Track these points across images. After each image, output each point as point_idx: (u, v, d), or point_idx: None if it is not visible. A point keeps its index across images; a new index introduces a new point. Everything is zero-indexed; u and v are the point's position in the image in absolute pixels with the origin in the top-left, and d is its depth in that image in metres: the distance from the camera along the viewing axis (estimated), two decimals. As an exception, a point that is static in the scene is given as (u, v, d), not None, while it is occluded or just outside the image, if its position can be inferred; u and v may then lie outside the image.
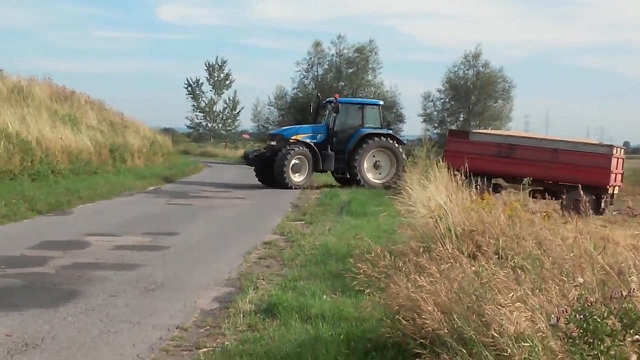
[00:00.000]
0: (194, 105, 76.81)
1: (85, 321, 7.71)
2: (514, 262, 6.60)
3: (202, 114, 77.23)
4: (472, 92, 62.64)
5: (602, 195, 23.93)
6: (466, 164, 14.40)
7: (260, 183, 28.79)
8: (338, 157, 28.76)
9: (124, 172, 28.53)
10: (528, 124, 76.94)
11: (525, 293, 5.31)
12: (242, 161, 35.72)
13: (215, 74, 76.13)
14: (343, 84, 64.12)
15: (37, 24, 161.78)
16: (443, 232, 9.05)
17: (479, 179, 14.28)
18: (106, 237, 13.77)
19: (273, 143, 28.98)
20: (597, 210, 22.20)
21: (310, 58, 65.63)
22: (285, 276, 10.30)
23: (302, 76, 66.03)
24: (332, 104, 29.12)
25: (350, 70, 64.20)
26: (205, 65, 76.35)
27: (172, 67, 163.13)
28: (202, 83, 76.74)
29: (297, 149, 28.05)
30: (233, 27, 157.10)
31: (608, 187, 24.51)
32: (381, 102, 32.19)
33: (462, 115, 63.62)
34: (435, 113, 64.26)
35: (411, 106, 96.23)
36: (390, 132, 30.26)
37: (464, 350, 5.06)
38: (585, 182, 23.52)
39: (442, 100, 64.62)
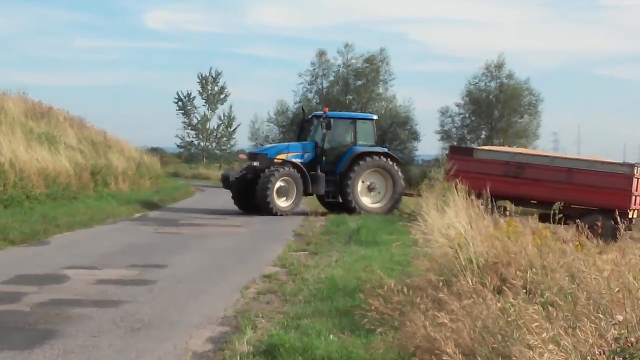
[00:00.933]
0: (185, 122, 77.13)
1: (63, 365, 7.69)
2: (543, 297, 6.57)
3: (194, 132, 77.52)
4: (495, 106, 62.68)
5: (622, 220, 23.93)
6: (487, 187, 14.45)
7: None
8: (328, 178, 28.30)
9: (107, 197, 28.51)
10: (557, 142, 77.10)
11: (557, 332, 5.28)
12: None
13: (209, 87, 76.49)
14: (351, 97, 64.35)
15: (9, 32, 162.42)
16: (464, 263, 9.03)
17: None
18: (87, 270, 13.76)
19: (256, 163, 28.26)
20: (615, 236, 22.35)
21: (314, 69, 65.95)
22: (287, 313, 10.27)
23: (305, 89, 66.34)
24: (322, 119, 28.71)
25: (359, 83, 64.38)
26: (198, 77, 76.79)
27: (161, 79, 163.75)
28: (194, 97, 77.16)
29: (283, 169, 27.51)
30: (227, 34, 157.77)
31: (629, 210, 24.57)
32: (375, 117, 31.70)
33: (483, 132, 63.65)
34: (453, 130, 64.33)
35: (427, 122, 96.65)
36: (386, 150, 29.92)
37: (489, 397, 5.03)
38: (603, 206, 23.68)
39: (462, 116, 64.70)
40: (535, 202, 25.44)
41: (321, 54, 65.82)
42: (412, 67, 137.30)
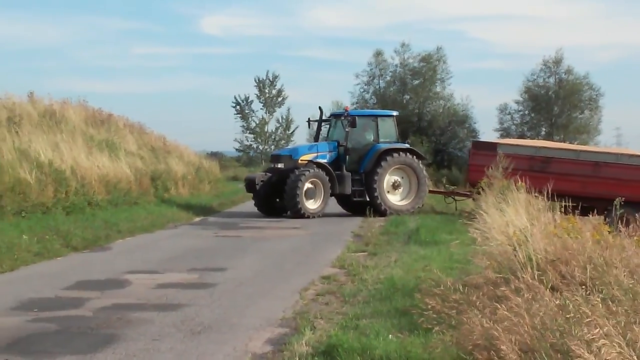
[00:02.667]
0: (243, 126, 77.39)
1: (125, 368, 7.80)
2: (602, 293, 6.51)
3: (252, 135, 77.68)
4: (555, 102, 62.11)
5: None
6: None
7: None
8: (354, 178, 27.78)
9: (167, 202, 28.81)
10: (620, 137, 75.86)
11: (616, 328, 5.23)
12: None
13: (266, 91, 76.65)
14: (408, 97, 64.14)
15: (68, 42, 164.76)
16: (523, 261, 8.96)
17: None
18: (148, 274, 13.94)
19: (280, 165, 27.69)
20: None
21: (371, 69, 65.77)
22: (346, 314, 10.28)
23: (362, 90, 66.14)
24: (344, 118, 28.23)
25: (416, 82, 64.08)
26: (255, 81, 76.96)
27: (219, 84, 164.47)
28: (252, 101, 77.31)
29: (311, 171, 26.84)
30: (283, 37, 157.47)
31: None
32: (396, 113, 30.77)
33: (543, 129, 63.10)
34: (513, 127, 63.83)
35: (486, 120, 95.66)
36: (409, 146, 29.47)
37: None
38: (632, 198, 23.67)
39: (521, 113, 64.23)
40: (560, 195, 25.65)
41: (378, 54, 65.65)
42: (470, 65, 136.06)
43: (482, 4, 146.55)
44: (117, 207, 24.20)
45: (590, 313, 5.42)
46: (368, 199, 27.92)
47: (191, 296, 11.77)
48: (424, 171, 28.76)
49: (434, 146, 58.37)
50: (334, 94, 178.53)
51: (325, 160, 27.69)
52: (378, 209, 27.50)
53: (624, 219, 11.06)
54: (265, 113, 77.31)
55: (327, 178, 27.11)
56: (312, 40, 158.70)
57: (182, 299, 11.57)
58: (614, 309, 5.69)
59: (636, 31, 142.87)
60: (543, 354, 5.23)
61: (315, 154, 27.86)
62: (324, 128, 31.05)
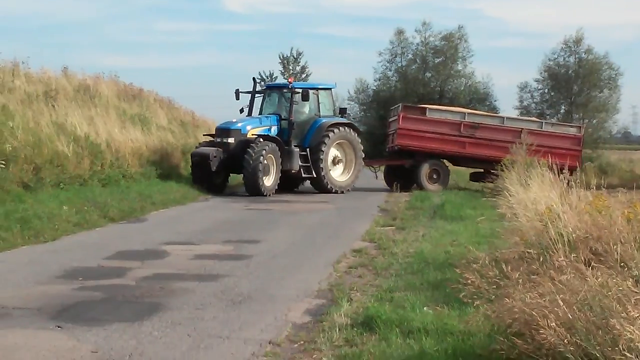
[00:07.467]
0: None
1: (172, 336, 7.92)
2: (638, 271, 6.55)
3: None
4: (574, 81, 61.70)
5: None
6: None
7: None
8: (300, 154, 26.43)
9: (198, 175, 28.82)
10: (637, 115, 75.37)
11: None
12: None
13: (291, 67, 76.61)
14: (429, 75, 63.93)
15: (93, 17, 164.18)
16: (555, 237, 8.98)
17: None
18: (184, 245, 14.10)
19: (230, 140, 25.51)
20: None
21: (393, 47, 65.45)
22: (379, 287, 10.38)
23: (384, 67, 65.89)
24: (289, 90, 26.97)
25: (438, 60, 63.84)
26: (279, 57, 76.94)
27: (241, 60, 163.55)
28: (276, 77, 77.34)
29: (268, 147, 25.06)
30: (305, 14, 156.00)
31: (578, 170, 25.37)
32: (334, 86, 29.13)
33: (563, 107, 62.75)
34: (533, 105, 63.50)
35: (506, 98, 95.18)
36: (349, 120, 28.19)
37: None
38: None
39: (541, 91, 63.85)
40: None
41: (399, 32, 65.35)
42: (489, 43, 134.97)
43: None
44: (150, 179, 24.34)
45: (629, 290, 5.46)
46: (315, 175, 26.76)
47: (228, 267, 11.89)
48: (361, 146, 27.92)
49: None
50: (356, 71, 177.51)
51: (271, 135, 26.19)
52: (322, 186, 26.79)
53: None
54: (290, 89, 77.28)
55: (279, 153, 25.74)
56: (333, 17, 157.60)
57: (220, 269, 11.70)
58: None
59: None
60: (585, 330, 5.29)
61: (267, 127, 26.40)
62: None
